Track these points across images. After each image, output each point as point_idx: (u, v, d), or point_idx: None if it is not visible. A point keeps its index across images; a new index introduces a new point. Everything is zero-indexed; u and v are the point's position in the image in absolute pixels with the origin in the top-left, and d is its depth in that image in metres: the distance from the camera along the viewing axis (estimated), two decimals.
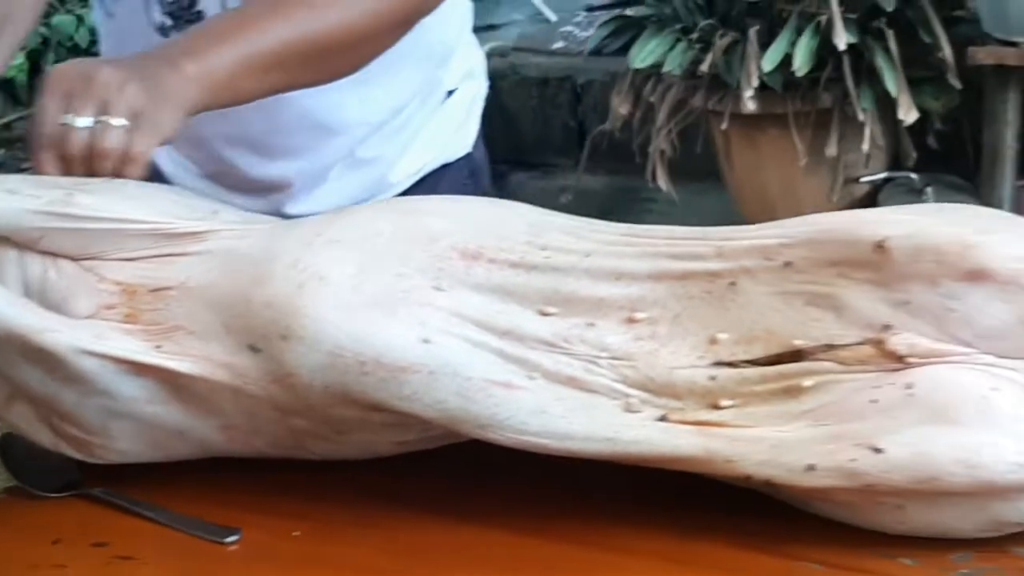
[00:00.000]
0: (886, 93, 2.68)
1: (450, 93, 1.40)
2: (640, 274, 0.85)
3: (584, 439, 0.81)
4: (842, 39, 2.57)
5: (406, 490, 0.91)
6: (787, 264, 0.83)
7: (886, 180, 3.07)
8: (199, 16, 1.22)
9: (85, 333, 0.84)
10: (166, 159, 1.38)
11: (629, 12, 3.03)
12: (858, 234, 0.81)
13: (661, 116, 2.98)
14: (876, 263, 0.80)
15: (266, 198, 1.31)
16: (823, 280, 0.82)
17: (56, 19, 4.25)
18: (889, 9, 2.59)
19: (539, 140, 4.10)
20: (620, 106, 3.02)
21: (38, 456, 0.93)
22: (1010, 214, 0.86)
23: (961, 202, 2.91)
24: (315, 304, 0.82)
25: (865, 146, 2.73)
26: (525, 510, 0.87)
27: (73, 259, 0.89)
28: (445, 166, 1.40)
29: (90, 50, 4.14)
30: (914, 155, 3.00)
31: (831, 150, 2.83)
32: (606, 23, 3.04)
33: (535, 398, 0.82)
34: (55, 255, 0.89)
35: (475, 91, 1.45)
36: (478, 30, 4.52)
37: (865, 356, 0.80)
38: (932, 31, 2.67)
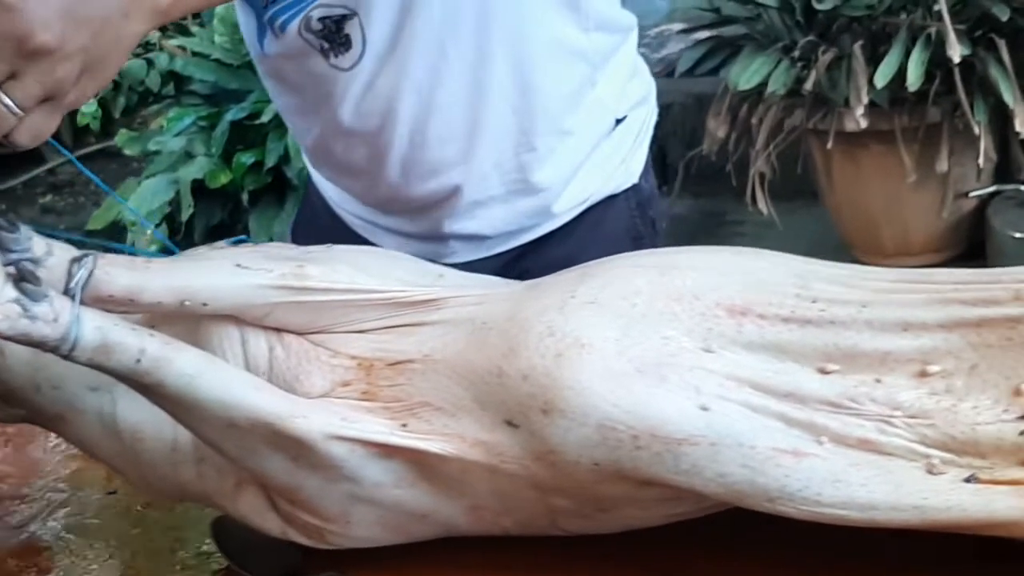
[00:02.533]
0: (999, 105, 2.60)
1: (619, 121, 1.35)
2: (930, 323, 0.78)
3: (890, 508, 0.74)
4: (956, 52, 2.49)
5: None
6: None
7: (995, 193, 2.99)
8: (348, 40, 1.19)
9: (334, 417, 0.77)
10: (331, 189, 1.37)
11: (721, 32, 2.95)
12: None
13: (761, 138, 2.91)
14: None
15: (429, 217, 1.28)
16: None
17: (126, 63, 4.23)
18: (1004, 19, 2.51)
19: None
20: (718, 129, 2.95)
21: (260, 540, 0.86)
22: None
23: None
24: (577, 374, 0.75)
25: (980, 159, 2.65)
26: None
27: (299, 334, 0.82)
28: (612, 197, 1.35)
29: (161, 93, 4.14)
30: None
31: (942, 165, 2.75)
32: (701, 43, 2.97)
33: (827, 465, 0.74)
34: (280, 330, 0.82)
35: (644, 118, 1.40)
36: None
37: None
38: None
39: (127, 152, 4.05)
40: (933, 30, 2.56)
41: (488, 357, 0.78)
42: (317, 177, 1.43)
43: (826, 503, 0.74)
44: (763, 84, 2.71)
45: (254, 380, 0.78)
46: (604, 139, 1.34)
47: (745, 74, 2.69)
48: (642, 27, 1.50)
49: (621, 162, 1.36)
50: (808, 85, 2.70)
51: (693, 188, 3.90)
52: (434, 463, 0.79)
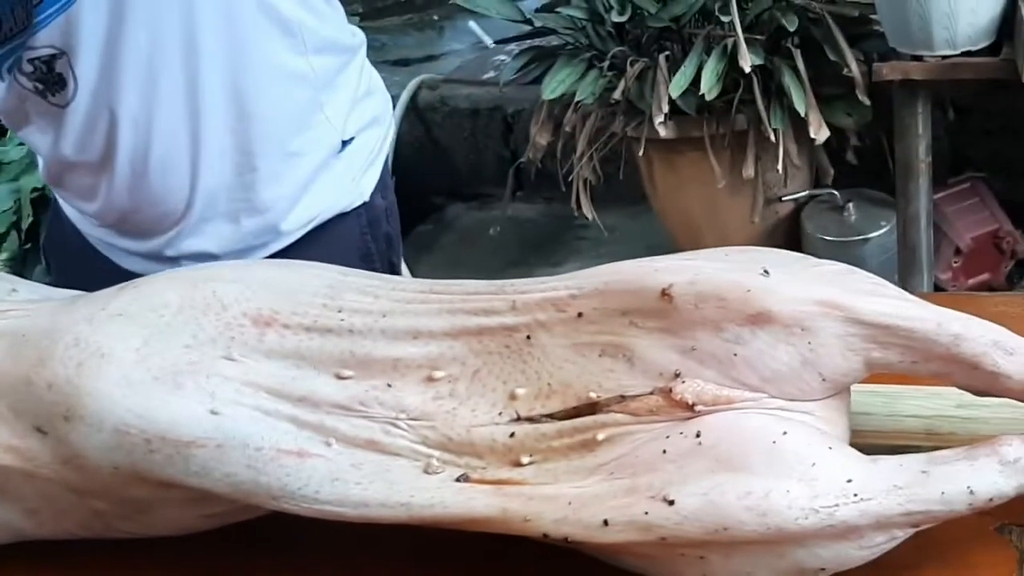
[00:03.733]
0: (798, 112, 2.68)
1: (346, 143, 1.39)
2: (438, 331, 0.84)
3: (380, 505, 0.80)
4: (747, 61, 2.57)
5: None
6: (579, 315, 0.82)
7: (809, 198, 3.08)
8: (61, 78, 1.23)
9: None
10: (70, 210, 1.41)
11: (543, 42, 3.02)
12: (644, 283, 0.81)
13: (581, 144, 2.98)
14: (663, 311, 0.79)
15: (160, 238, 1.33)
16: (615, 330, 0.81)
17: None
18: (792, 29, 2.60)
19: (473, 171, 4.11)
20: (539, 136, 3.02)
21: None
22: (799, 254, 0.85)
23: (883, 216, 2.93)
24: (96, 382, 0.81)
25: (780, 166, 2.73)
26: None
27: None
28: (341, 215, 1.40)
29: None
30: (832, 172, 3.02)
31: (748, 171, 2.84)
32: (521, 53, 3.04)
33: (330, 466, 0.80)
34: None
35: (378, 138, 1.43)
36: (415, 62, 4.50)
37: (655, 406, 0.79)
38: (838, 49, 2.67)
39: None
40: (730, 41, 2.64)
41: (20, 367, 0.83)
42: (59, 197, 1.47)
43: (323, 500, 0.80)
44: (571, 93, 2.78)
45: None
46: (332, 159, 1.38)
47: (552, 84, 2.76)
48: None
49: (351, 181, 1.40)
50: (617, 94, 2.77)
51: (544, 193, 3.98)
52: None
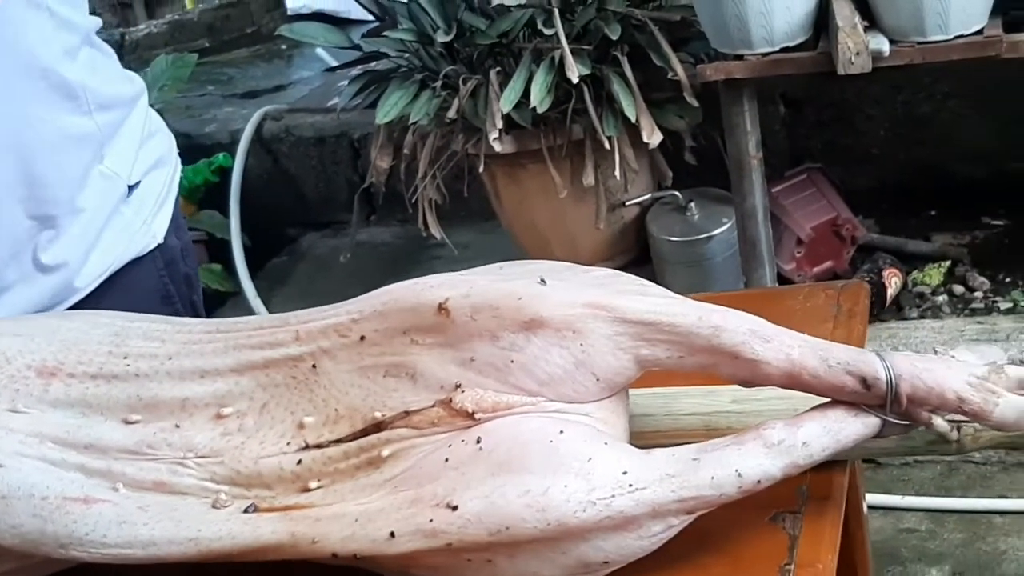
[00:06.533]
0: (629, 118, 2.72)
1: (132, 188, 1.37)
2: (224, 369, 0.85)
3: (168, 542, 0.80)
4: (574, 72, 2.61)
5: None
6: (362, 338, 0.84)
7: (653, 200, 3.13)
8: None
9: None
10: None
11: (377, 66, 3.03)
12: (420, 299, 0.83)
13: (422, 165, 3.00)
14: (441, 325, 0.81)
15: None
16: (396, 350, 0.83)
17: None
18: (615, 37, 2.64)
19: (324, 199, 4.11)
20: (380, 160, 3.03)
21: None
22: (568, 263, 0.87)
23: (725, 212, 2.99)
24: None
25: (617, 172, 2.78)
26: None
27: None
28: (137, 260, 1.38)
29: None
30: (670, 174, 3.07)
31: (588, 179, 2.87)
32: (355, 79, 3.04)
33: (116, 510, 0.81)
34: None
35: (165, 179, 1.41)
36: (264, 92, 4.46)
37: (436, 418, 0.81)
38: (663, 54, 2.72)
39: None
40: (557, 53, 2.67)
41: None
42: None
43: (111, 544, 0.80)
44: (405, 116, 2.79)
45: None
46: (120, 206, 1.36)
47: (384, 107, 2.78)
48: None
49: (142, 224, 1.37)
50: (451, 113, 2.79)
51: (398, 215, 3.99)
52: None
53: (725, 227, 2.97)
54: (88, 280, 1.32)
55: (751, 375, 0.80)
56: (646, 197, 3.10)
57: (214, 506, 0.82)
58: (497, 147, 2.73)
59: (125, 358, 0.86)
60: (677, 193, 3.09)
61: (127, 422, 0.84)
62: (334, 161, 4.05)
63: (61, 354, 0.85)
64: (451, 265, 3.97)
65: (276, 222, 4.10)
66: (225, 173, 3.93)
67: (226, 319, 0.89)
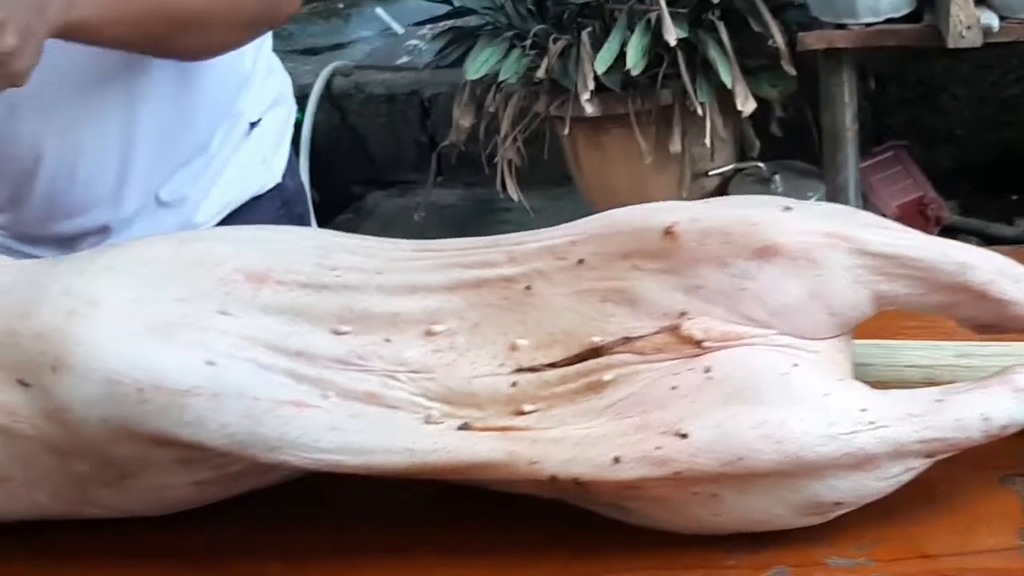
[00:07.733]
0: (723, 85, 2.69)
1: (253, 125, 1.36)
2: (435, 286, 0.83)
3: (384, 451, 0.78)
4: (672, 34, 2.58)
5: None
6: (580, 262, 0.81)
7: (736, 171, 3.10)
8: None
9: None
10: None
11: (462, 23, 3.00)
12: (645, 223, 0.80)
13: (505, 125, 2.97)
14: (666, 251, 0.79)
15: (75, 248, 1.27)
16: (616, 274, 0.80)
17: None
18: (715, 1, 2.61)
19: (392, 158, 4.08)
20: (462, 119, 3.01)
21: None
22: (797, 201, 0.84)
23: (809, 187, 2.96)
24: (88, 331, 0.78)
25: (707, 140, 2.75)
26: None
27: None
28: (256, 199, 1.37)
29: None
30: (758, 144, 3.04)
31: (675, 146, 2.85)
32: (439, 35, 3.02)
33: (329, 416, 0.79)
34: None
35: (283, 118, 1.41)
36: (324, 50, 4.46)
37: (662, 344, 0.78)
38: (762, 20, 2.69)
39: None
40: (653, 15, 2.64)
41: (4, 319, 0.80)
42: None
43: (324, 448, 0.78)
44: (495, 74, 2.77)
45: None
46: (242, 143, 1.35)
47: (475, 64, 2.75)
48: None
49: (262, 163, 1.37)
50: (540, 73, 2.76)
51: (464, 177, 3.96)
52: None
53: (810, 201, 2.93)
54: (207, 216, 1.31)
55: (996, 317, 0.77)
56: (730, 167, 3.07)
57: (426, 422, 0.79)
58: (588, 109, 2.70)
59: (334, 269, 0.83)
60: (761, 164, 3.05)
61: (337, 332, 0.81)
62: (404, 120, 4.03)
63: (270, 261, 0.83)
64: (521, 229, 3.95)
65: (342, 179, 4.07)
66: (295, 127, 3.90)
67: (432, 240, 0.87)
